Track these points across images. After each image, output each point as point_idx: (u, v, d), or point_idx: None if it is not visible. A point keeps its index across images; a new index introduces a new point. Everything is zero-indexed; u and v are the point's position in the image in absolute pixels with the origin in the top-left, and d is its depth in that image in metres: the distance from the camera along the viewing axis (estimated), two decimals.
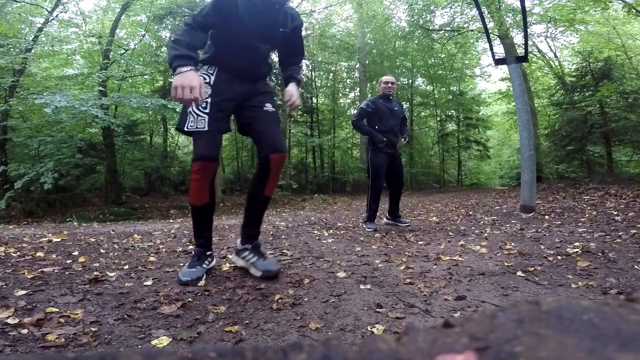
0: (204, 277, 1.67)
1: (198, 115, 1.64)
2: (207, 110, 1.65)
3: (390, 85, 3.53)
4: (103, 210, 8.29)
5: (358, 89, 16.02)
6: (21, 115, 8.74)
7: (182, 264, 2.02)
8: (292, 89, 1.88)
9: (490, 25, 8.49)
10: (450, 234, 3.14)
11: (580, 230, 2.99)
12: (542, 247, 2.40)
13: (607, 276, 1.70)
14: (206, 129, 1.62)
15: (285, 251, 2.42)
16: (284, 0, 1.71)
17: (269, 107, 1.82)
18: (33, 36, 8.64)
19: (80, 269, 1.83)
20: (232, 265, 2.04)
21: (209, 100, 1.66)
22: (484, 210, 5.20)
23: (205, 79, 1.68)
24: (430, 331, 0.23)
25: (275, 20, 1.76)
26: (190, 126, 1.64)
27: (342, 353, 0.21)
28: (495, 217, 4.28)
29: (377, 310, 1.36)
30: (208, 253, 1.81)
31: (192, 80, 1.44)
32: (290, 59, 1.96)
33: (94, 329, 1.14)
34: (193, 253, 1.81)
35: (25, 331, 1.08)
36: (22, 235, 3.08)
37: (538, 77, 14.23)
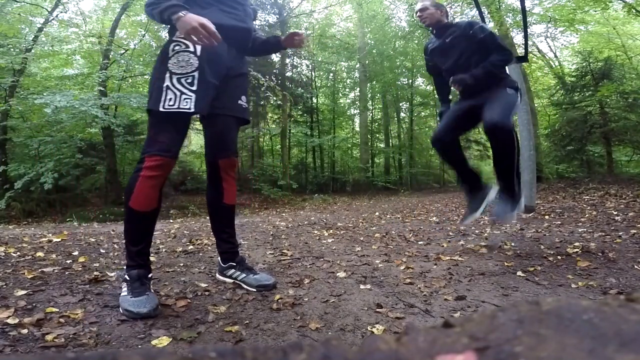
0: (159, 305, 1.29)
1: (182, 92, 1.29)
2: (194, 88, 1.32)
3: (419, 14, 2.36)
4: (103, 210, 8.28)
5: (358, 89, 16.01)
6: (21, 115, 8.74)
7: (182, 264, 2.02)
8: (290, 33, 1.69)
9: (490, 25, 8.49)
10: (450, 234, 3.14)
11: (580, 230, 2.99)
12: (542, 247, 2.40)
13: (607, 276, 1.70)
14: (192, 110, 1.30)
15: (285, 251, 2.42)
16: None
17: (243, 102, 1.57)
18: (33, 36, 8.63)
19: (80, 269, 1.83)
20: None
21: (195, 74, 1.33)
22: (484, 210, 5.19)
23: (187, 46, 1.34)
24: (430, 331, 0.23)
25: None
26: (169, 105, 1.27)
27: (342, 353, 0.21)
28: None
29: (377, 310, 1.36)
30: (150, 275, 1.39)
31: (198, 19, 1.23)
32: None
33: (94, 329, 1.14)
34: (129, 277, 1.33)
35: (25, 331, 1.08)
36: (22, 235, 3.08)
37: (538, 77, 14.22)
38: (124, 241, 1.44)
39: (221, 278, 1.69)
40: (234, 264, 1.63)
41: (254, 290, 1.54)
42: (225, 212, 1.63)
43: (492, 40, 2.24)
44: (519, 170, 2.26)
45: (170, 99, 1.29)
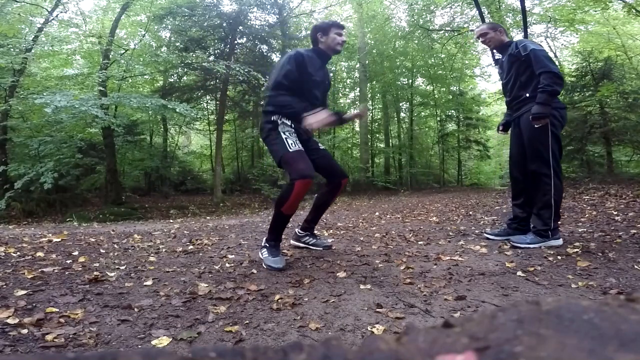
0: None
1: (295, 142, 2.09)
2: (299, 142, 2.15)
3: (481, 40, 2.50)
4: (103, 210, 8.28)
5: (358, 89, 16.01)
6: (21, 115, 8.73)
7: (182, 264, 2.02)
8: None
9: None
10: (450, 234, 3.14)
11: (580, 230, 2.99)
12: (542, 247, 2.39)
13: (607, 276, 1.70)
14: (302, 149, 2.10)
15: (285, 251, 2.42)
16: (339, 50, 2.24)
17: (321, 145, 2.38)
18: (33, 36, 8.62)
19: (80, 269, 1.83)
20: (232, 264, 2.04)
21: (295, 137, 2.13)
22: (484, 210, 5.19)
23: (290, 125, 2.15)
24: (430, 331, 0.23)
25: (326, 72, 2.28)
26: (293, 146, 2.07)
27: (342, 353, 0.21)
28: (495, 217, 4.28)
29: (377, 310, 1.35)
30: (280, 245, 2.24)
31: (317, 119, 2.01)
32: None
33: (94, 329, 1.14)
34: (268, 245, 2.11)
35: (25, 331, 1.08)
36: (22, 235, 3.08)
37: None
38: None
39: (295, 243, 2.51)
40: (308, 233, 2.48)
41: (320, 249, 2.40)
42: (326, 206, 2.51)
43: (535, 60, 2.20)
44: (558, 211, 2.37)
45: (292, 144, 2.06)
